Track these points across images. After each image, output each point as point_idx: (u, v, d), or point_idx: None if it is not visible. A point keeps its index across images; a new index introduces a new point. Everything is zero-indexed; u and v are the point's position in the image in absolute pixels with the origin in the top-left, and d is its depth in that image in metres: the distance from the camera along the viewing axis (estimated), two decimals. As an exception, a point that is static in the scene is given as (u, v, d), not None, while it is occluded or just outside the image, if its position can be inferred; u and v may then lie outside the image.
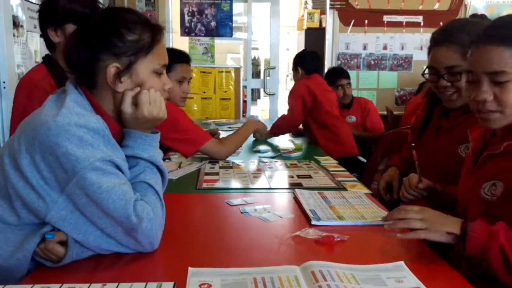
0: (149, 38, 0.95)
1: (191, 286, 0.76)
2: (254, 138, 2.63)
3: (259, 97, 8.52)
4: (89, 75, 0.93)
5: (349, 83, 3.25)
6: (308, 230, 1.09)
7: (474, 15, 1.88)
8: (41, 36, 1.61)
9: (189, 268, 0.84)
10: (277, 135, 2.72)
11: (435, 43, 1.35)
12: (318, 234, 1.05)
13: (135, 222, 0.87)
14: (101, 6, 1.51)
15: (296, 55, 2.96)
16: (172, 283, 0.67)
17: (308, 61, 2.87)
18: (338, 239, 1.03)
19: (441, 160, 1.39)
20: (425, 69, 1.41)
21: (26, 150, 0.85)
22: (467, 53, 1.29)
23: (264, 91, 4.41)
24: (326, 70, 4.36)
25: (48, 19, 1.51)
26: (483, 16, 1.78)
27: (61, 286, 0.67)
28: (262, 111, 7.35)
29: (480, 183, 1.02)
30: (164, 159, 1.89)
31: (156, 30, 0.97)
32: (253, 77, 4.56)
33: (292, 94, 2.77)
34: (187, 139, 1.81)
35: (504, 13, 4.58)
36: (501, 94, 0.95)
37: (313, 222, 1.13)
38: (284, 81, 6.61)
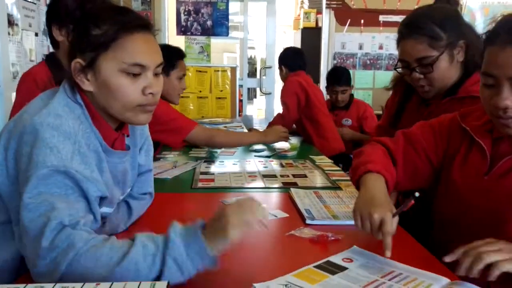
0: (112, 33, 0.87)
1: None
2: None
3: (255, 97, 8.52)
4: (71, 71, 0.91)
5: (345, 90, 3.11)
6: (302, 229, 1.09)
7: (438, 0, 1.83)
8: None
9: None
10: None
11: (402, 36, 1.33)
12: (312, 233, 1.06)
13: (44, 246, 0.74)
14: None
15: (280, 54, 2.97)
16: (165, 282, 0.67)
17: (290, 58, 2.88)
18: (332, 238, 1.03)
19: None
20: (397, 63, 1.38)
21: (3, 145, 0.85)
22: (435, 41, 1.27)
23: (260, 90, 4.41)
24: (321, 68, 4.39)
25: (52, 15, 1.51)
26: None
27: (54, 286, 0.66)
28: (258, 110, 7.36)
29: None
30: (157, 158, 1.90)
31: (125, 25, 0.88)
32: (249, 76, 4.56)
33: (285, 92, 2.77)
34: (173, 129, 1.80)
35: (499, 14, 4.59)
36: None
37: (308, 221, 1.13)
38: (281, 80, 6.62)
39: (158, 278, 0.74)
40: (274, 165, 1.87)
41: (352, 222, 1.13)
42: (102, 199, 0.91)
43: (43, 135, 0.81)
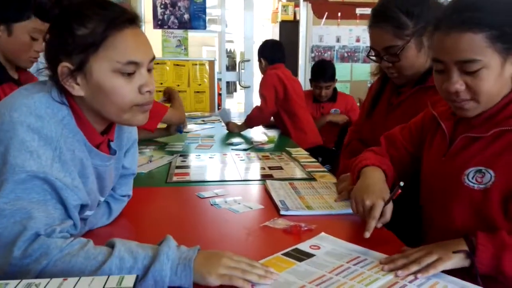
0: (101, 31, 0.81)
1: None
2: (228, 131, 2.62)
3: (235, 90, 8.50)
4: (55, 75, 0.84)
5: (330, 85, 3.11)
6: (276, 220, 1.10)
7: None
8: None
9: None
10: (251, 127, 2.72)
11: (370, 24, 1.33)
12: (286, 224, 1.07)
13: (15, 255, 0.72)
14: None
15: (259, 46, 2.98)
16: (134, 276, 0.67)
17: (269, 50, 2.89)
18: (306, 228, 1.05)
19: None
20: (369, 51, 1.38)
21: None
22: (401, 30, 1.26)
23: (239, 84, 4.40)
24: (300, 61, 4.40)
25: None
26: None
27: (19, 282, 0.65)
28: (238, 104, 7.35)
29: (462, 168, 0.94)
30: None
31: (113, 22, 0.82)
32: (229, 70, 4.54)
33: (264, 84, 2.78)
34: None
35: None
36: (472, 82, 0.89)
37: (282, 212, 1.14)
38: (260, 74, 6.61)
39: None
40: (251, 157, 1.87)
41: (326, 212, 1.16)
42: (83, 206, 0.88)
43: (23, 137, 0.76)
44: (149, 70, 0.89)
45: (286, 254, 0.90)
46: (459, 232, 0.89)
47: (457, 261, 0.81)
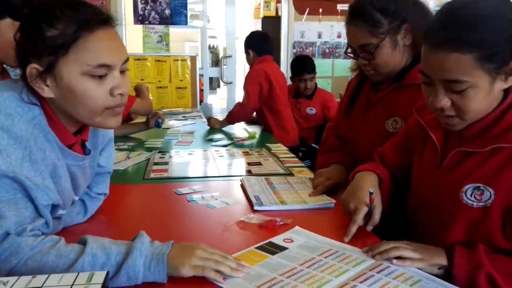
0: (71, 33, 0.79)
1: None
2: (209, 127, 2.62)
3: (218, 86, 8.47)
4: (25, 76, 0.82)
5: (313, 77, 3.18)
6: (252, 215, 1.11)
7: None
8: None
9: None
10: (232, 123, 2.72)
11: (346, 21, 1.31)
12: (261, 219, 1.08)
13: None
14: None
15: (246, 37, 2.96)
16: (104, 272, 0.67)
17: (257, 42, 2.87)
18: (281, 222, 1.06)
19: (369, 136, 1.35)
20: (346, 47, 1.37)
21: None
22: (375, 28, 1.24)
23: (221, 80, 4.39)
24: (282, 57, 4.41)
25: None
26: None
27: (-13, 281, 0.65)
28: (221, 100, 7.33)
29: (459, 185, 0.91)
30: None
31: (85, 23, 0.80)
32: (212, 65, 4.51)
33: (249, 79, 2.76)
34: None
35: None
36: (459, 101, 0.86)
37: (255, 208, 1.16)
38: (243, 69, 6.62)
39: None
40: (231, 154, 1.88)
41: (299, 207, 1.18)
42: (54, 206, 0.87)
43: None
44: (122, 72, 0.88)
45: (259, 248, 0.91)
46: (455, 245, 0.89)
47: (434, 269, 0.84)
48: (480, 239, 0.88)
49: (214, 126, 2.62)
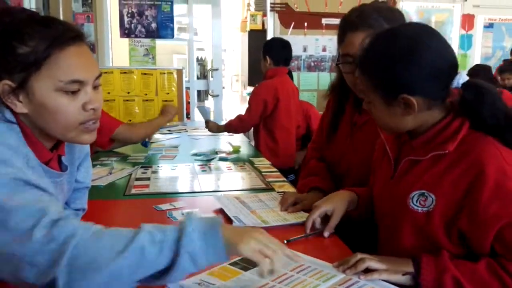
0: (43, 50, 0.81)
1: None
2: (207, 129, 2.72)
3: (207, 98, 8.49)
4: None
5: None
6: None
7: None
8: None
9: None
10: (229, 132, 2.76)
11: (351, 27, 1.25)
12: (238, 235, 1.09)
13: (37, 239, 0.69)
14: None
15: (265, 42, 2.89)
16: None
17: (276, 49, 2.78)
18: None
19: (358, 158, 1.33)
20: (338, 57, 1.31)
21: None
22: None
23: (208, 93, 4.41)
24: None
25: None
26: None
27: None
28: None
29: (407, 191, 0.97)
30: (94, 165, 1.86)
31: (56, 40, 0.82)
32: (200, 78, 4.53)
33: (256, 94, 2.71)
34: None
35: (433, 18, 4.88)
36: (371, 112, 1.01)
37: (234, 224, 1.16)
38: (230, 82, 6.65)
39: (169, 267, 0.72)
40: (214, 168, 1.90)
41: (281, 223, 1.20)
42: None
43: None
44: (95, 87, 0.89)
45: (233, 264, 0.92)
46: (407, 251, 0.95)
47: (400, 278, 0.89)
48: (428, 242, 0.93)
49: (212, 130, 2.66)
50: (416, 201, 0.95)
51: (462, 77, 0.95)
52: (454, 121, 0.95)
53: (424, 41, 0.92)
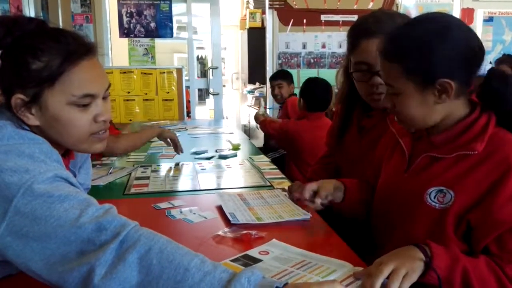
0: (57, 66, 0.82)
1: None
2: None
3: (208, 97, 8.49)
4: (9, 105, 0.83)
5: (280, 84, 3.56)
6: (228, 229, 1.13)
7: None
8: None
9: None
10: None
11: (367, 33, 1.21)
12: (237, 232, 1.10)
13: (91, 229, 0.68)
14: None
15: (303, 83, 2.67)
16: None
17: (314, 94, 2.57)
18: (256, 236, 1.08)
19: (367, 160, 1.29)
20: (348, 65, 1.29)
21: None
22: None
23: (208, 91, 4.41)
24: (267, 67, 4.46)
25: None
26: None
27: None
28: (210, 110, 7.35)
29: (425, 187, 0.96)
30: (94, 165, 1.85)
31: (69, 56, 0.83)
32: (201, 76, 4.52)
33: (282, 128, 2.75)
34: None
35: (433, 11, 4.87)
36: (396, 105, 0.97)
37: (233, 222, 1.17)
38: (230, 80, 6.65)
39: None
40: (213, 166, 1.90)
41: (275, 221, 1.19)
42: None
43: (27, 151, 0.76)
44: (104, 98, 0.90)
45: (234, 260, 0.93)
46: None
47: (418, 272, 0.82)
48: (436, 237, 0.92)
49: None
50: (434, 197, 0.94)
51: (487, 64, 0.94)
52: (480, 117, 0.94)
53: (455, 22, 0.94)
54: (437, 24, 0.92)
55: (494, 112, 0.94)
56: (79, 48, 0.85)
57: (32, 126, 0.86)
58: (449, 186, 0.92)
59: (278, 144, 3.03)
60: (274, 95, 3.66)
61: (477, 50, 0.92)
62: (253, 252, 0.97)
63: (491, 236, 0.87)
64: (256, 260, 0.93)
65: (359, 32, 1.25)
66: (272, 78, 3.67)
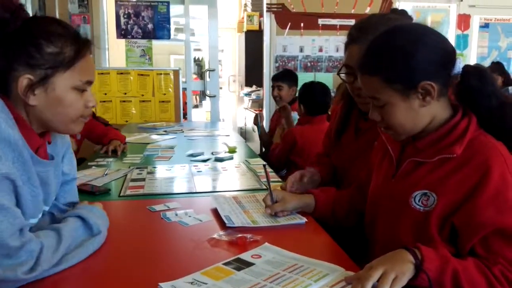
0: (72, 53, 0.92)
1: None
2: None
3: (204, 99, 8.49)
4: (3, 83, 0.89)
5: (279, 86, 3.36)
6: (223, 232, 1.13)
7: (393, 10, 1.76)
8: None
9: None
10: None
11: (352, 39, 1.29)
12: (232, 236, 1.10)
13: (16, 245, 0.80)
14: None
15: (301, 88, 2.70)
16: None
17: (312, 97, 2.58)
18: (251, 239, 1.08)
19: (363, 161, 1.32)
20: (340, 68, 1.34)
21: None
22: None
23: (204, 93, 4.41)
24: (264, 71, 4.47)
25: None
26: (403, 12, 1.59)
27: None
28: (206, 112, 7.35)
29: (410, 191, 0.98)
30: (89, 166, 1.86)
31: (82, 45, 0.94)
32: (198, 77, 4.50)
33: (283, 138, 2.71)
34: None
35: (429, 18, 4.90)
36: (384, 116, 0.99)
37: (228, 225, 1.17)
38: (227, 82, 6.65)
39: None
40: (209, 169, 1.90)
41: (270, 225, 1.19)
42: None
43: None
44: None
45: (227, 264, 0.93)
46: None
47: (408, 274, 0.82)
48: (423, 240, 0.93)
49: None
50: (419, 201, 0.97)
51: (461, 62, 0.98)
52: (462, 121, 0.96)
53: (427, 28, 0.97)
54: (412, 32, 0.97)
55: (474, 110, 0.97)
56: (87, 42, 0.97)
57: (27, 105, 0.91)
58: (432, 189, 0.95)
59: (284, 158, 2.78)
60: (273, 97, 3.50)
61: (451, 52, 0.97)
62: (246, 256, 0.98)
63: (475, 237, 0.89)
64: (248, 264, 0.93)
65: (348, 36, 1.33)
66: (273, 79, 3.51)
